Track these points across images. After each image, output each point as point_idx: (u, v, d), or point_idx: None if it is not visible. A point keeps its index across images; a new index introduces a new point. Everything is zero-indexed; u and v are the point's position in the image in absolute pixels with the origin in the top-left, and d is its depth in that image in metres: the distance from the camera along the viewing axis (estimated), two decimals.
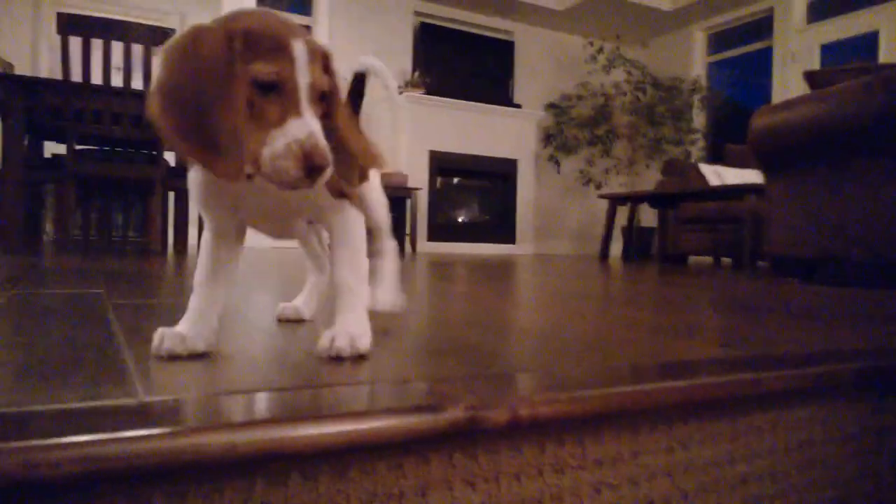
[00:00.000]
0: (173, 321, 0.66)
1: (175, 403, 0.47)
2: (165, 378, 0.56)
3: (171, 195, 3.95)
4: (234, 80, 0.55)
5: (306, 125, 0.56)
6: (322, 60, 0.61)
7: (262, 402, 0.48)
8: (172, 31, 3.05)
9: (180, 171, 3.44)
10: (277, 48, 0.56)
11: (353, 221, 0.69)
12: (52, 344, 0.69)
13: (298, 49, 0.57)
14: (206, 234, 0.68)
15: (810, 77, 2.84)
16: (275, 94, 0.56)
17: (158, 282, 1.60)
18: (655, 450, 0.57)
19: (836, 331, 0.97)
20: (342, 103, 0.65)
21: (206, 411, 0.46)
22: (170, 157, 3.53)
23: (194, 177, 0.64)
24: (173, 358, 0.62)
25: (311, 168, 0.55)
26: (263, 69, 0.55)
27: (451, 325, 0.95)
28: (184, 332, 0.64)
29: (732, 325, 1.02)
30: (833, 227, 2.52)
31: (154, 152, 3.22)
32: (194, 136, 0.54)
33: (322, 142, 0.56)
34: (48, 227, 5.17)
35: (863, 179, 2.42)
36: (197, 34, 0.57)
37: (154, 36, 2.99)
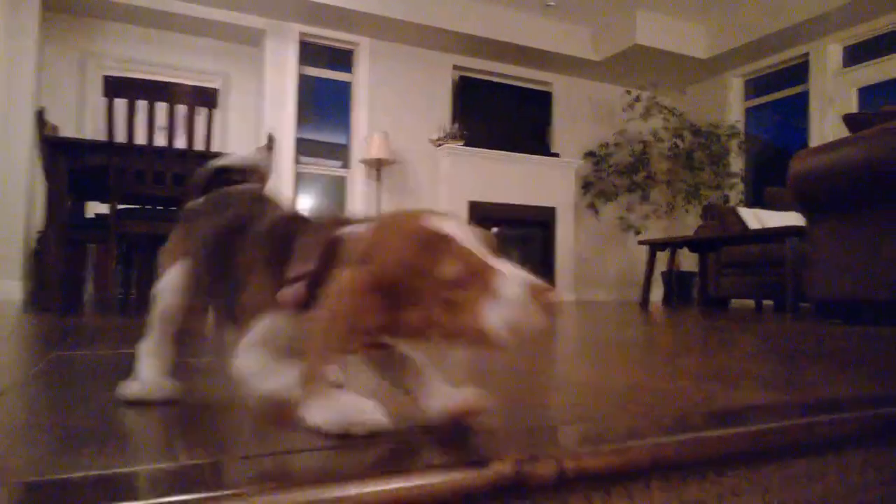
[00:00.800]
0: (212, 380, 0.67)
1: (214, 466, 0.48)
2: (210, 439, 0.57)
3: None
4: None
5: None
6: None
7: (304, 462, 0.49)
8: (215, 91, 3.15)
9: None
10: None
11: None
12: (94, 408, 0.71)
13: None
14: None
15: (849, 120, 2.81)
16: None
17: (197, 340, 1.63)
18: (705, 499, 0.56)
19: (885, 374, 0.94)
20: None
21: (252, 472, 0.47)
22: None
23: None
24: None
25: None
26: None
27: (491, 377, 0.95)
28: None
29: (779, 371, 1.00)
30: (878, 270, 2.45)
31: None
32: None
33: None
34: (89, 285, 5.28)
35: None
36: None
37: (196, 96, 3.05)
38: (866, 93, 5.85)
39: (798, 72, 6.45)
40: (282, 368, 0.59)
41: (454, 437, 0.55)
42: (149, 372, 0.75)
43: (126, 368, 1.00)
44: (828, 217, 2.71)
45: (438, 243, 0.55)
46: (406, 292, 0.55)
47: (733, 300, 5.57)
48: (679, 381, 0.90)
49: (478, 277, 0.54)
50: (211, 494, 0.40)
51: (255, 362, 0.59)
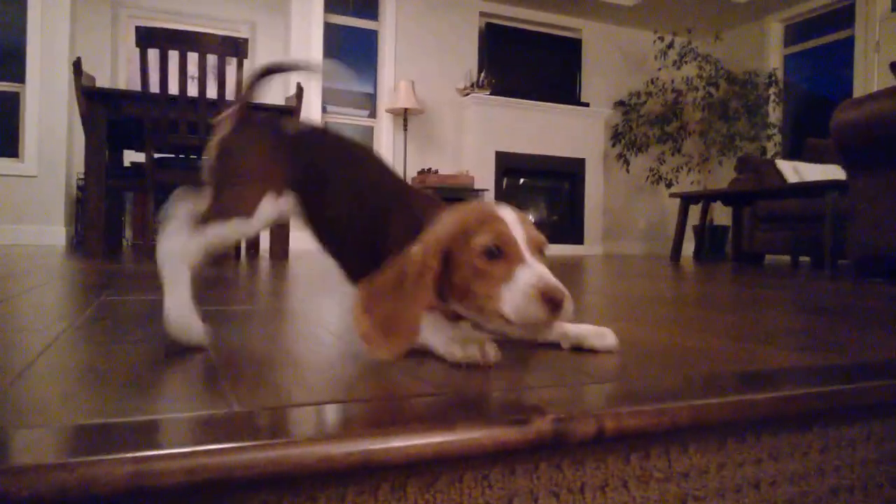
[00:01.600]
0: (253, 328, 0.68)
1: (273, 415, 0.49)
2: (253, 387, 0.58)
3: None
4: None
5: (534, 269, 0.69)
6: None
7: (353, 413, 0.50)
8: (245, 40, 3.14)
9: None
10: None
11: None
12: (145, 353, 0.73)
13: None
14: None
15: None
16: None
17: (234, 287, 1.66)
18: (743, 462, 0.56)
19: None
20: None
21: (301, 422, 0.48)
22: None
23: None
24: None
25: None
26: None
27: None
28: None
29: (820, 332, 0.98)
30: None
31: None
32: None
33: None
34: (128, 233, 5.44)
35: None
36: None
37: (226, 46, 3.07)
38: None
39: (843, 16, 6.15)
40: None
41: (495, 393, 0.56)
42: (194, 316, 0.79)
43: None
44: (872, 171, 2.62)
45: (487, 218, 0.65)
46: (454, 257, 0.65)
47: (768, 256, 5.48)
48: (713, 339, 0.89)
49: (507, 258, 0.64)
50: (255, 443, 0.41)
51: None
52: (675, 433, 0.53)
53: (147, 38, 2.97)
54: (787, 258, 5.95)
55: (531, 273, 0.62)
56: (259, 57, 6.03)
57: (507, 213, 0.67)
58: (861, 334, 0.96)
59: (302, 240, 5.79)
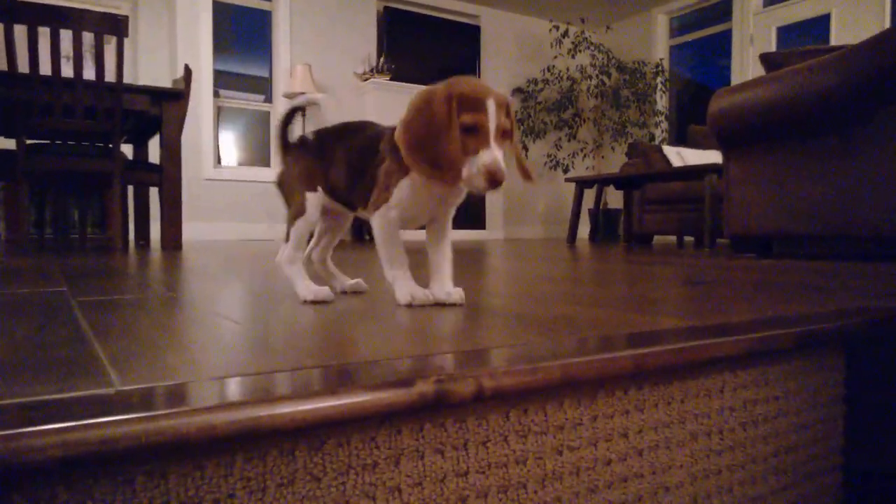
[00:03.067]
0: (142, 316, 0.67)
1: (152, 390, 0.49)
2: (139, 369, 0.57)
3: (131, 189, 3.83)
4: (452, 125, 0.84)
5: (492, 154, 0.84)
6: (506, 109, 0.88)
7: (239, 385, 0.50)
8: (125, 18, 2.94)
9: (138, 164, 3.36)
10: (478, 104, 0.85)
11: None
12: (21, 341, 0.69)
13: (490, 104, 0.85)
14: (385, 224, 0.96)
15: (765, 59, 2.92)
16: (474, 134, 0.85)
17: (122, 278, 1.59)
18: (613, 413, 0.61)
19: (780, 300, 1.02)
20: (514, 136, 0.93)
21: (185, 395, 0.48)
22: (126, 150, 3.44)
23: (408, 184, 0.93)
24: (421, 306, 0.95)
25: (493, 182, 0.84)
26: (468, 119, 0.85)
27: (422, 309, 0.97)
28: (426, 290, 0.97)
29: (690, 299, 1.07)
30: (786, 205, 2.61)
31: (110, 145, 3.08)
32: (427, 160, 0.86)
33: (501, 165, 0.85)
34: (0, 226, 5.00)
35: (812, 157, 2.51)
36: (430, 95, 0.88)
37: (104, 24, 2.85)
38: (785, 32, 6.05)
39: (721, 10, 6.58)
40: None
41: (381, 360, 0.58)
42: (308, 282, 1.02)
43: (49, 307, 0.97)
44: (743, 155, 2.84)
45: (476, 104, 0.85)
46: (439, 125, 0.85)
47: (656, 236, 5.80)
48: (598, 310, 0.95)
49: (478, 139, 0.85)
50: (135, 415, 0.41)
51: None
52: (550, 390, 0.57)
53: (10, 12, 2.71)
54: (673, 238, 6.33)
55: (489, 156, 0.83)
56: (141, 37, 5.71)
57: (491, 103, 0.85)
58: (726, 302, 1.05)
59: (196, 229, 5.56)
